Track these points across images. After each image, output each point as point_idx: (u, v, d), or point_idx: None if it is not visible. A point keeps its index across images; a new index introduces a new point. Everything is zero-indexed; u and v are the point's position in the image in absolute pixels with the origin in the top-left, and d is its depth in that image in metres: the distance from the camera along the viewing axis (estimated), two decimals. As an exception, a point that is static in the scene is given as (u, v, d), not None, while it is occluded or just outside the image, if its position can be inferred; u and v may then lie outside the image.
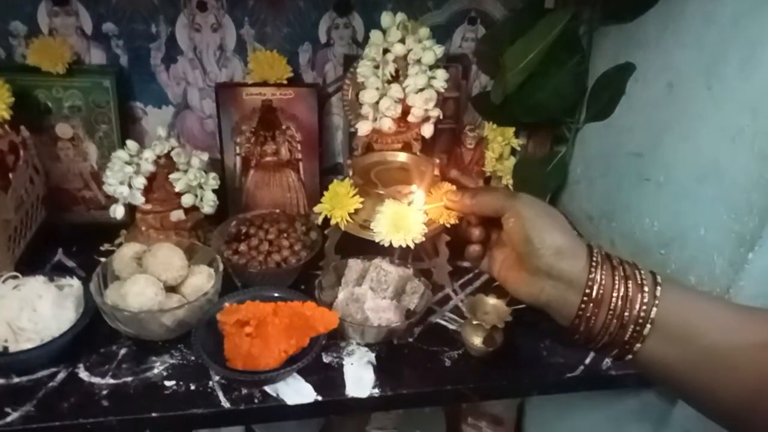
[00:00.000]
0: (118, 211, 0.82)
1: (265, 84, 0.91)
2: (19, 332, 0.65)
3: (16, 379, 0.67)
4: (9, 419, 0.63)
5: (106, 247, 0.90)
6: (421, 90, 0.80)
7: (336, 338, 0.75)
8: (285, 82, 0.91)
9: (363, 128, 0.81)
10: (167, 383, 0.68)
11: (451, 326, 0.80)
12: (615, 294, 0.50)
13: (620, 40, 0.87)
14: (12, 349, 0.65)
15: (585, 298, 0.50)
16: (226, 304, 0.71)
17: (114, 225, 0.91)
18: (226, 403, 0.67)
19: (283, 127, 0.94)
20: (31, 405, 0.64)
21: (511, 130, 0.97)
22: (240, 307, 0.70)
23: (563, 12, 0.88)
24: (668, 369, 0.50)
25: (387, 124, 0.80)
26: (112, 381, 0.68)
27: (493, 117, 0.97)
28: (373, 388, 0.70)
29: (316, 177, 0.98)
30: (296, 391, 0.69)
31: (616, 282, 0.50)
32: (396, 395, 0.70)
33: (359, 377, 0.71)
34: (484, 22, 0.98)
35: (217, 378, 0.69)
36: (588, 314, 0.51)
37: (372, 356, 0.74)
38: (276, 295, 0.75)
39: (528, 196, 0.56)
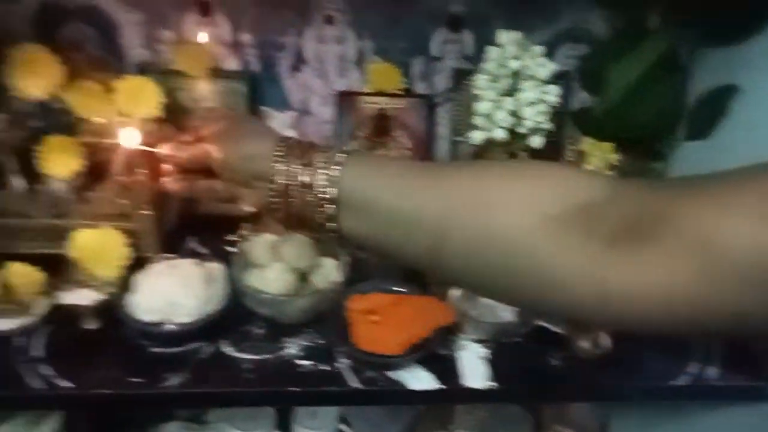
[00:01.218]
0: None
1: (381, 93, 0.98)
2: (177, 307, 0.74)
3: (169, 350, 0.75)
4: (168, 383, 0.71)
5: (232, 237, 0.98)
6: (533, 103, 0.85)
7: (449, 333, 0.81)
8: (399, 92, 0.98)
9: (476, 138, 0.87)
10: (301, 362, 0.75)
11: (557, 328, 0.85)
12: (297, 180, 0.53)
13: (723, 61, 0.90)
14: (170, 322, 0.73)
15: (271, 192, 0.54)
16: (355, 294, 0.78)
17: (238, 217, 0.99)
18: (355, 384, 0.73)
19: (395, 134, 1.01)
20: (187, 372, 0.72)
21: (609, 146, 1.01)
22: (368, 297, 0.77)
23: (666, 33, 0.92)
24: (367, 239, 0.53)
25: (500, 135, 0.86)
26: (253, 357, 0.75)
27: (593, 133, 1.01)
28: (488, 380, 0.76)
29: (421, 182, 1.04)
30: (418, 379, 0.75)
31: (298, 169, 0.53)
32: (510, 389, 0.76)
33: (474, 370, 0.77)
34: (587, 41, 1.03)
35: (344, 361, 0.76)
36: (277, 204, 0.54)
37: (483, 352, 0.80)
38: (398, 288, 0.81)
39: (215, 124, 0.61)
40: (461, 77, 0.99)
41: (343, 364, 0.76)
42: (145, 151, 0.71)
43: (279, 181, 0.54)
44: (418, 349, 0.74)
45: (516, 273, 0.46)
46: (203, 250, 0.94)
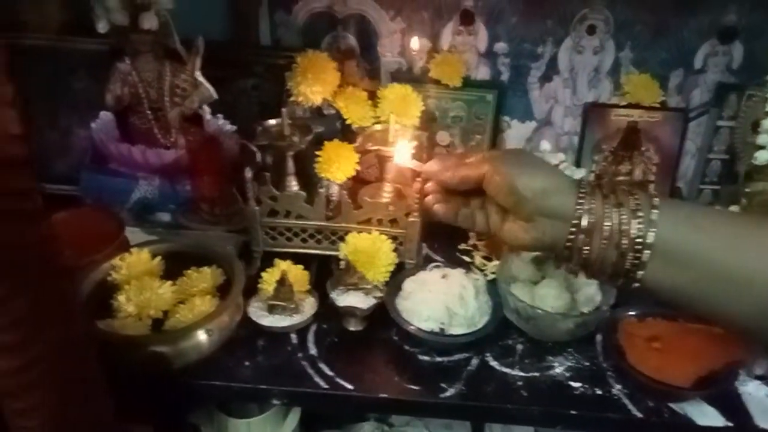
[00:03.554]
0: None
1: (635, 106, 0.94)
2: (454, 317, 0.73)
3: (438, 359, 0.75)
4: (447, 393, 0.71)
5: (463, 246, 0.98)
6: (836, 125, 0.78)
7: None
8: (657, 105, 0.93)
9: (763, 158, 0.81)
10: (573, 384, 0.73)
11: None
12: (607, 223, 0.49)
13: None
14: (446, 331, 0.73)
15: (573, 228, 0.50)
16: (630, 315, 0.74)
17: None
18: (637, 413, 0.69)
19: (643, 148, 0.96)
20: (461, 384, 0.72)
21: None
22: (651, 322, 0.73)
23: None
24: (677, 292, 0.49)
25: (792, 156, 0.79)
26: (521, 373, 0.74)
27: None
28: (781, 422, 0.69)
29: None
30: (702, 413, 0.70)
31: (607, 210, 0.49)
32: (807, 434, 0.69)
33: (763, 408, 0.71)
34: None
35: (619, 386, 0.72)
36: (579, 244, 0.51)
37: (766, 389, 0.73)
38: (674, 315, 0.76)
39: (498, 152, 0.64)
40: (725, 91, 0.93)
41: (619, 390, 0.72)
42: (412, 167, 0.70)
43: (585, 221, 0.50)
44: (707, 382, 0.69)
45: None
46: (437, 257, 0.93)
